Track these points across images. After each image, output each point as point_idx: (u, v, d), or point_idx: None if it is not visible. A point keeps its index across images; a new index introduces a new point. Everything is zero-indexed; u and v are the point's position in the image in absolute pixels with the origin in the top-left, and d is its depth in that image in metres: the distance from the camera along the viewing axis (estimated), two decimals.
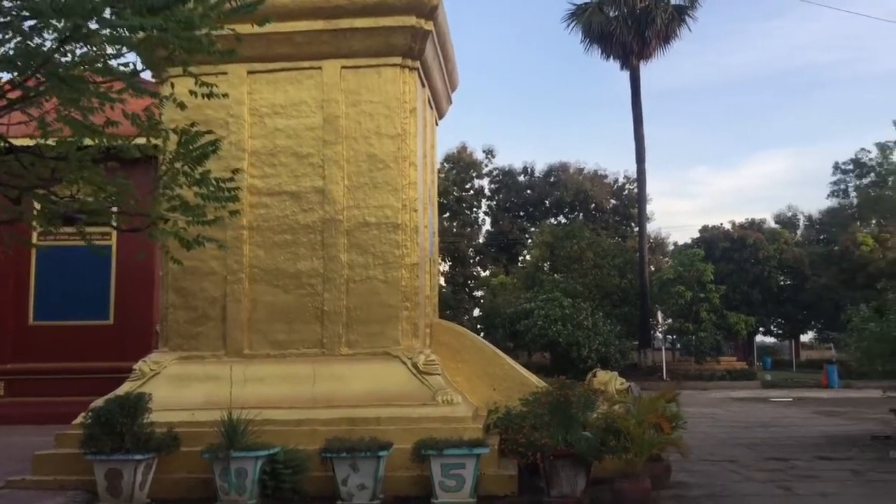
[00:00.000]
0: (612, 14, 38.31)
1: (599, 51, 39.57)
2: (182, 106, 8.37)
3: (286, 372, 10.91)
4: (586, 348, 33.22)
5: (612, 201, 59.97)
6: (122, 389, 10.49)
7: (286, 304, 11.29)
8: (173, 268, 11.27)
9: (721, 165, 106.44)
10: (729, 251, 46.04)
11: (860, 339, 14.31)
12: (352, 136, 11.47)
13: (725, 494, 9.64)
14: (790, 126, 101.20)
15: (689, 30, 39.11)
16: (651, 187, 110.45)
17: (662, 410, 9.91)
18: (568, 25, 39.78)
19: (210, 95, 7.96)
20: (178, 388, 10.76)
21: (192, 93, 8.25)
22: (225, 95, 9.27)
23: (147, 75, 10.85)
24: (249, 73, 11.57)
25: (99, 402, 9.96)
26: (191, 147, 8.12)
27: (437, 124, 14.55)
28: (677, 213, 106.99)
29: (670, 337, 44.74)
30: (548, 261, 41.60)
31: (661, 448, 9.74)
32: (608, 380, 11.37)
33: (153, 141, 8.57)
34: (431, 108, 13.57)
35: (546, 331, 33.55)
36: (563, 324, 33.41)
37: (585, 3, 39.10)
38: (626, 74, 39.96)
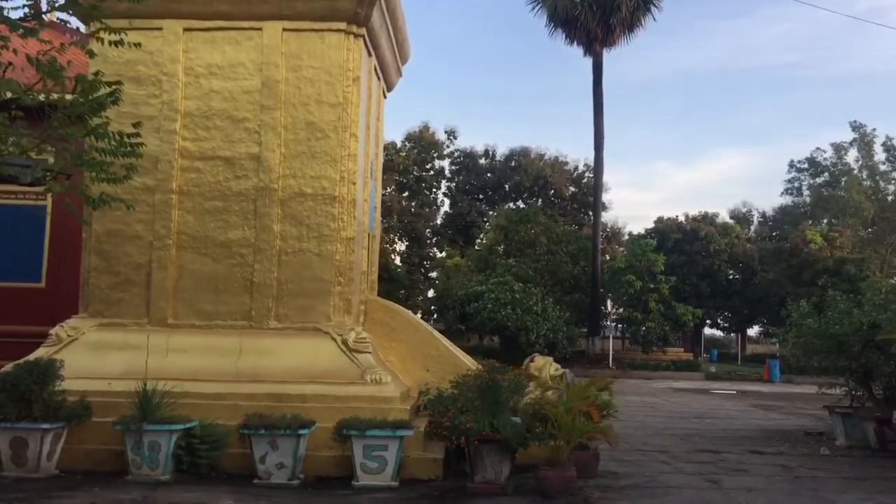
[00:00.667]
0: None
1: (563, 35, 39.37)
2: (91, 54, 7.85)
3: (211, 344, 10.50)
4: (534, 333, 33.15)
5: (572, 189, 60.00)
6: (34, 355, 10.01)
7: (214, 274, 10.87)
8: (96, 230, 10.82)
9: (682, 160, 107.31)
10: (681, 243, 46.29)
11: (798, 335, 14.30)
12: (291, 103, 11.04)
13: (652, 486, 9.49)
14: (751, 124, 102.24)
15: (654, 19, 39.12)
16: (612, 177, 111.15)
17: (593, 399, 9.72)
18: (533, 8, 39.53)
19: (119, 44, 7.45)
20: (96, 356, 10.31)
21: (111, 44, 7.75)
22: (137, 45, 8.82)
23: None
24: (186, 30, 11.06)
25: (8, 367, 9.48)
26: (90, 97, 7.58)
27: (384, 97, 14.15)
28: (637, 204, 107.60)
29: (620, 326, 45.03)
30: (502, 244, 41.40)
31: (589, 436, 9.55)
32: (542, 365, 11.17)
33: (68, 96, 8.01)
34: (379, 78, 13.16)
35: (495, 314, 33.40)
36: (512, 308, 33.30)
37: None
38: (589, 61, 39.84)
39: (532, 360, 11.70)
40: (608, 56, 40.11)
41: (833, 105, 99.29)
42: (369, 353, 10.53)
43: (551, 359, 11.79)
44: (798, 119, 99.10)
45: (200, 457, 9.13)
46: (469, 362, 11.53)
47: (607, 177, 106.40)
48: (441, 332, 41.05)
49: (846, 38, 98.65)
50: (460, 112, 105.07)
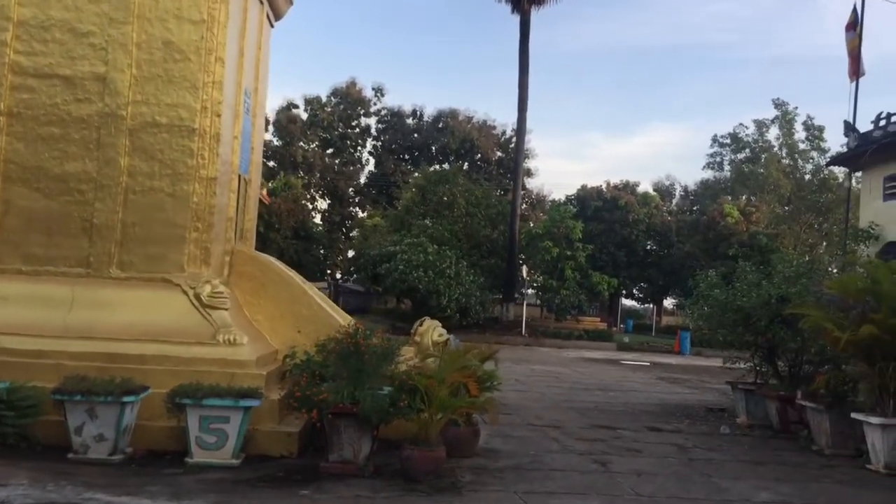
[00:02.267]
0: None
1: None
2: None
3: (38, 293, 9.03)
4: (446, 297, 32.14)
5: (499, 153, 59.15)
6: None
7: (47, 212, 9.35)
8: None
9: (614, 132, 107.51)
10: (600, 211, 45.85)
11: (704, 306, 13.52)
12: (145, 17, 9.52)
13: (533, 467, 8.48)
14: (683, 100, 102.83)
15: None
16: (543, 146, 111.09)
17: (473, 369, 8.63)
18: None
19: None
20: None
21: None
22: None
23: None
24: None
25: None
26: None
27: (271, 25, 12.64)
28: (567, 174, 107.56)
29: (538, 293, 44.42)
30: (420, 205, 40.12)
31: (465, 412, 8.45)
32: (425, 330, 10.03)
33: None
34: (262, 2, 11.65)
35: (406, 276, 32.23)
36: (424, 270, 32.16)
37: None
38: (516, 19, 38.51)
39: (420, 325, 10.57)
40: (538, 16, 38.93)
41: (761, 86, 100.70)
42: (225, 309, 9.21)
43: (437, 323, 10.62)
44: (728, 98, 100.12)
45: (6, 424, 7.69)
46: (345, 323, 10.30)
47: (538, 145, 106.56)
48: (358, 293, 39.80)
49: (778, 23, 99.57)
50: (390, 72, 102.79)
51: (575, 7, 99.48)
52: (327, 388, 7.63)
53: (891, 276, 9.66)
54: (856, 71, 18.15)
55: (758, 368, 13.41)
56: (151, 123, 9.45)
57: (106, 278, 9.28)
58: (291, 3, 13.04)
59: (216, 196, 9.70)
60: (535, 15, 38.38)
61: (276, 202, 46.72)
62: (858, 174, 19.10)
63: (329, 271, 65.12)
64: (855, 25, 18.39)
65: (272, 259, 11.41)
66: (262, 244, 48.77)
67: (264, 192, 31.95)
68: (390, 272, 33.08)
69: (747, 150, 54.80)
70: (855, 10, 18.59)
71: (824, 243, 45.28)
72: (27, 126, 9.37)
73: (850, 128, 16.96)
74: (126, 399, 7.54)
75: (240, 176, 10.94)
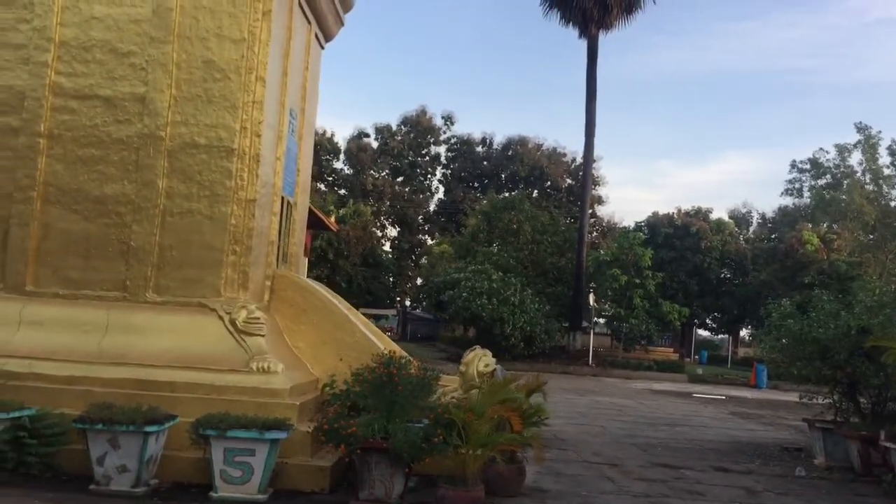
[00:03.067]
0: None
1: (559, 15, 37.45)
2: None
3: (73, 317, 8.84)
4: (510, 325, 31.46)
5: (568, 181, 58.45)
6: None
7: (85, 234, 9.18)
8: None
9: (687, 160, 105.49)
10: (671, 238, 44.49)
11: (778, 337, 12.59)
12: (185, 36, 9.34)
13: None
14: (759, 127, 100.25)
15: (654, 2, 37.19)
16: (615, 174, 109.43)
17: (518, 403, 8.04)
18: None
19: None
20: None
21: None
22: None
23: None
24: None
25: None
26: None
27: (321, 46, 12.41)
28: (640, 202, 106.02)
29: (609, 322, 43.29)
30: (485, 232, 39.64)
31: (508, 448, 7.85)
32: (471, 359, 9.44)
33: None
34: (309, 22, 11.42)
35: (470, 303, 31.70)
36: (487, 298, 31.58)
37: None
38: (584, 44, 37.93)
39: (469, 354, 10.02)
40: (608, 42, 38.34)
41: (841, 112, 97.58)
42: (261, 335, 8.84)
43: (485, 353, 10.00)
44: (807, 124, 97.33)
45: (29, 453, 7.46)
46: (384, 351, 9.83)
47: (610, 173, 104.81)
48: (427, 321, 39.50)
49: (857, 47, 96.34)
50: (460, 100, 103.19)
51: (645, 34, 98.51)
52: (358, 422, 7.15)
53: None
54: None
55: (837, 405, 12.38)
56: (190, 144, 9.23)
57: (142, 302, 9.03)
58: (343, 24, 12.81)
59: (255, 218, 9.39)
60: (604, 40, 37.75)
61: (344, 229, 46.91)
62: None
63: (398, 299, 65.22)
64: None
65: (315, 284, 11.05)
66: (332, 271, 49.25)
67: (332, 219, 31.92)
68: (454, 299, 32.61)
69: (828, 176, 52.56)
70: None
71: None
72: (67, 148, 9.24)
73: None
74: (149, 429, 7.20)
75: (283, 198, 10.65)
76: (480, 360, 9.54)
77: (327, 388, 9.07)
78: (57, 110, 9.27)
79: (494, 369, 9.45)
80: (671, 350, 47.21)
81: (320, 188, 58.67)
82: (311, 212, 24.69)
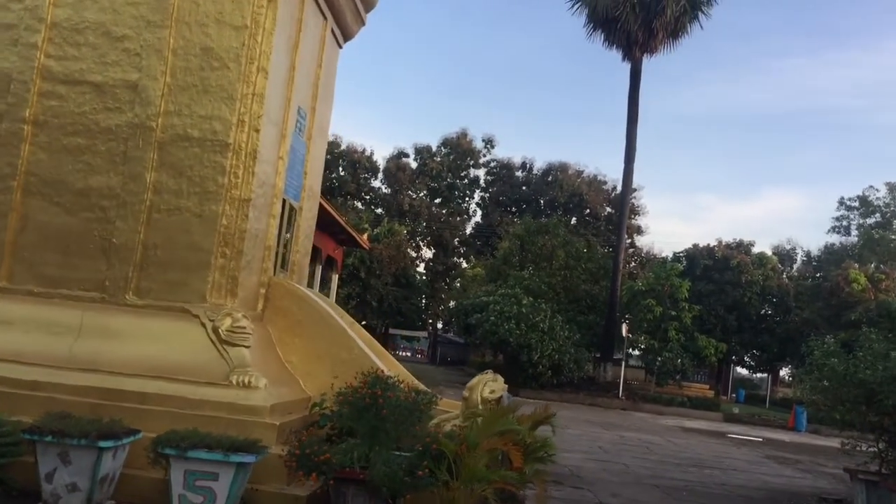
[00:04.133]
0: None
1: (602, 37, 36.58)
2: None
3: (46, 317, 8.19)
4: (538, 352, 30.41)
5: (608, 209, 57.35)
6: None
7: (65, 229, 8.54)
8: None
9: (731, 195, 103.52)
10: (710, 270, 43.09)
11: (819, 378, 11.50)
12: (184, 21, 8.71)
13: None
14: (805, 164, 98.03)
15: (701, 27, 36.21)
16: (657, 206, 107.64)
17: (519, 435, 7.14)
18: (573, 6, 36.85)
19: None
20: None
21: None
22: None
23: None
24: None
25: None
26: None
27: (339, 45, 11.74)
28: (681, 236, 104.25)
29: (637, 353, 41.98)
30: (517, 255, 38.72)
31: (505, 486, 6.93)
32: (475, 384, 8.57)
33: None
34: (325, 17, 10.76)
35: (497, 328, 30.74)
36: (516, 322, 30.60)
37: None
38: (627, 67, 37.04)
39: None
40: (650, 66, 37.41)
41: (891, 151, 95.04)
42: (246, 346, 8.07)
43: (494, 378, 9.12)
44: (856, 162, 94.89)
45: None
46: (391, 372, 9.01)
47: (651, 204, 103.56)
48: (457, 344, 38.67)
49: None
50: (501, 123, 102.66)
51: (691, 65, 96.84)
52: (336, 448, 6.32)
53: None
54: None
55: (883, 455, 11.22)
56: (182, 137, 8.56)
57: (121, 305, 8.33)
58: (363, 23, 12.14)
59: (249, 220, 8.67)
60: (648, 65, 36.83)
61: (378, 248, 46.37)
62: None
63: (430, 321, 64.38)
64: None
65: (312, 294, 10.30)
66: (363, 289, 48.69)
67: (365, 236, 31.34)
68: (481, 323, 31.70)
69: (877, 215, 50.89)
70: None
71: None
72: (52, 136, 8.64)
73: None
74: (104, 444, 6.42)
75: (285, 201, 9.93)
76: (486, 385, 8.66)
77: (316, 407, 8.27)
78: (44, 95, 8.69)
79: (501, 396, 8.58)
80: (707, 387, 45.66)
81: (357, 206, 58.35)
82: (342, 228, 24.40)
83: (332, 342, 9.31)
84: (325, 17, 10.80)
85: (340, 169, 58.99)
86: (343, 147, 58.46)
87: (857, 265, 43.87)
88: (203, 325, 8.15)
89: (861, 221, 52.07)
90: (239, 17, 8.67)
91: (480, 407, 8.26)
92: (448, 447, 6.34)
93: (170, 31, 8.65)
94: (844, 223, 53.02)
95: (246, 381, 7.72)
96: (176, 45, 8.67)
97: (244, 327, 8.19)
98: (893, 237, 47.32)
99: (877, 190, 50.65)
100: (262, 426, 7.29)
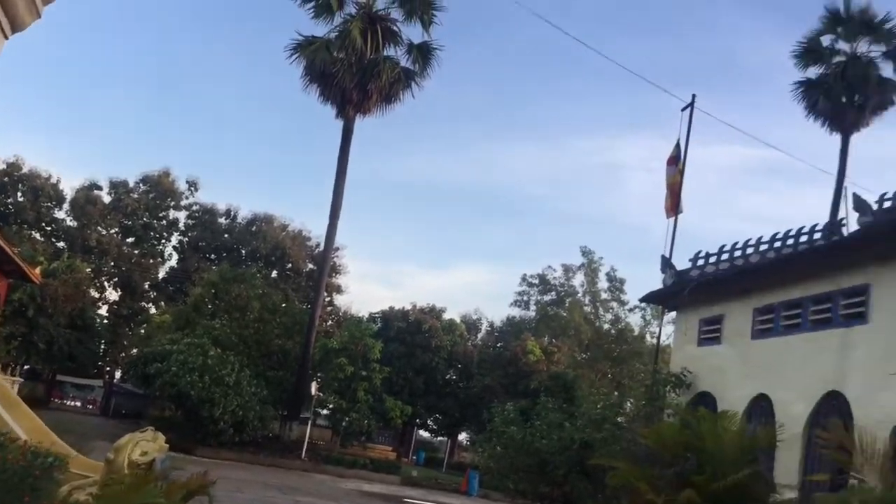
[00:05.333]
0: (338, 55, 35.39)
1: (318, 91, 36.34)
2: None
3: None
4: (220, 408, 28.55)
5: (310, 265, 56.72)
6: None
7: None
8: None
9: (428, 264, 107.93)
10: (403, 333, 44.00)
11: (498, 445, 11.51)
12: None
13: None
14: (498, 240, 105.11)
15: (413, 97, 37.36)
16: (359, 267, 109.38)
17: None
18: (290, 56, 36.28)
19: None
20: None
21: None
22: None
23: None
24: None
25: None
26: None
27: (6, 36, 9.93)
28: (381, 300, 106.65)
29: (327, 412, 41.31)
30: (210, 303, 36.58)
31: None
32: (123, 444, 7.25)
33: None
34: None
35: (178, 379, 28.44)
36: (199, 375, 28.53)
37: (314, 37, 35.92)
38: (340, 124, 37.11)
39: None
40: (364, 129, 37.75)
41: (570, 239, 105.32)
42: None
43: (157, 436, 7.88)
44: (541, 243, 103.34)
45: None
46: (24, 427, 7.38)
47: (353, 266, 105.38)
48: (136, 395, 35.20)
49: (577, 187, 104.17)
50: (208, 168, 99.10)
51: (401, 137, 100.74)
52: None
53: (714, 432, 8.06)
54: (675, 207, 17.64)
55: None
56: None
57: None
58: (38, 15, 10.42)
59: None
60: (361, 125, 37.13)
61: (52, 285, 41.49)
62: (672, 314, 18.36)
63: (108, 369, 58.87)
64: (677, 161, 18.05)
65: None
66: (29, 328, 43.11)
67: (37, 270, 27.71)
68: (161, 373, 29.20)
69: (553, 293, 55.54)
70: (678, 145, 18.34)
71: (615, 393, 45.66)
72: None
73: (667, 263, 16.10)
74: None
75: None
76: (138, 445, 7.38)
77: None
78: None
79: (153, 459, 7.31)
80: (390, 448, 46.18)
81: (35, 237, 52.27)
82: (10, 259, 21.24)
83: None
84: None
85: (19, 194, 52.67)
86: (25, 170, 52.38)
87: (533, 337, 47.28)
88: None
89: (539, 298, 56.52)
90: None
91: (126, 472, 6.95)
92: None
93: None
94: (525, 298, 57.22)
95: None
96: None
97: None
98: (565, 314, 51.80)
99: (554, 270, 55.36)
100: None
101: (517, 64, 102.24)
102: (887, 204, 11.77)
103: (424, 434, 57.38)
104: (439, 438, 58.38)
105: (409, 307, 47.81)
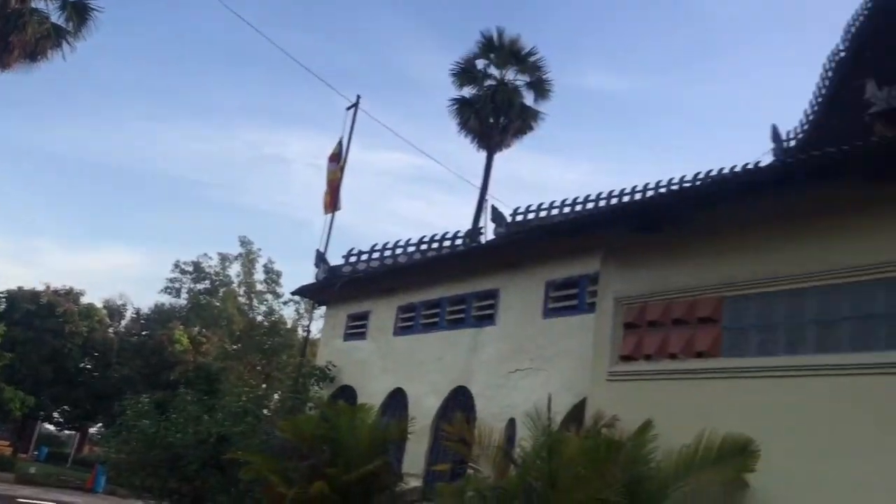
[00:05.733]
0: None
1: None
2: None
3: None
4: None
5: None
6: None
7: None
8: None
9: (72, 244, 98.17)
10: (32, 316, 39.73)
11: (127, 440, 10.75)
12: None
13: None
14: (155, 226, 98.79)
15: (64, 58, 33.66)
16: None
17: None
18: None
19: None
20: None
21: None
22: None
23: None
24: None
25: None
26: None
27: None
28: (13, 279, 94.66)
29: None
30: None
31: None
32: None
33: None
34: None
35: None
36: None
37: None
38: None
39: None
40: (4, 80, 33.33)
41: (232, 229, 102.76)
42: None
43: None
44: (201, 229, 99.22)
45: None
46: None
47: None
48: None
49: (246, 176, 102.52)
50: None
51: (51, 108, 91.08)
52: None
53: (351, 425, 8.24)
54: (333, 203, 17.89)
55: None
56: None
57: None
58: None
59: None
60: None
61: None
62: (324, 309, 18.52)
63: None
64: (339, 158, 18.33)
65: None
66: None
67: None
68: None
69: (207, 282, 53.72)
70: (341, 143, 18.62)
71: (264, 385, 45.25)
72: None
73: (321, 258, 16.26)
74: None
75: None
76: None
77: None
78: None
79: None
80: (7, 443, 41.61)
81: None
82: None
83: None
84: None
85: None
86: None
87: (182, 326, 45.28)
88: None
89: (192, 286, 54.31)
90: None
91: None
92: None
93: None
94: (177, 285, 54.58)
95: None
96: None
97: None
98: (218, 304, 50.34)
99: (210, 258, 53.56)
100: None
101: (196, 47, 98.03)
102: (520, 217, 13.01)
103: (50, 427, 52.40)
104: (67, 432, 53.69)
105: (41, 288, 43.32)
